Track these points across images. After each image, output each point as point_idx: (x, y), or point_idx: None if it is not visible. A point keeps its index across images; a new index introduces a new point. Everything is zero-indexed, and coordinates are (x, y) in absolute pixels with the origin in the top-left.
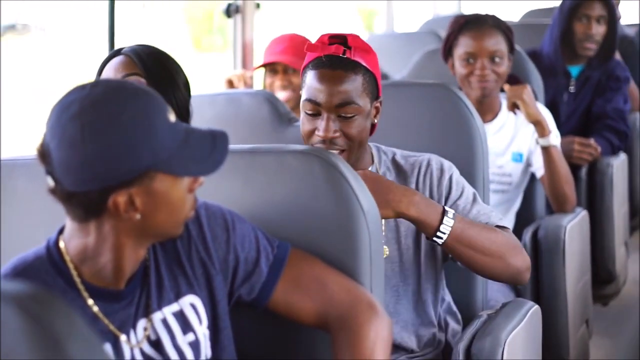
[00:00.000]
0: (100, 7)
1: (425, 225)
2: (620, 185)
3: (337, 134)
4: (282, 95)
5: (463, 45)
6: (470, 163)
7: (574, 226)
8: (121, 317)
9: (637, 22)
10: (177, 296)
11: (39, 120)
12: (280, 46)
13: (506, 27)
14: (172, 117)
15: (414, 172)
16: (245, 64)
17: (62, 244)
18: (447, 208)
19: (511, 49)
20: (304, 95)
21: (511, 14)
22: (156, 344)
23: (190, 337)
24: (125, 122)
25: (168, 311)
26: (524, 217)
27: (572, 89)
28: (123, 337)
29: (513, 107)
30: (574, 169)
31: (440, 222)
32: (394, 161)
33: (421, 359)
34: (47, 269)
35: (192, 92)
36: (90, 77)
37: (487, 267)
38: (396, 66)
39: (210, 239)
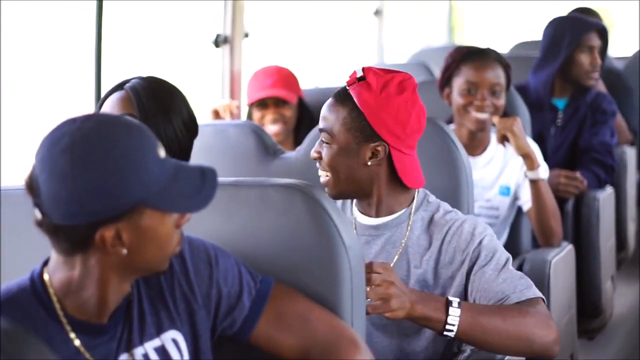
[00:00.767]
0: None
1: (432, 320)
2: (607, 219)
3: (316, 156)
4: (273, 128)
5: (465, 75)
6: (455, 196)
7: (559, 260)
8: (103, 351)
9: (624, 55)
10: (159, 331)
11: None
12: (269, 80)
13: (506, 62)
14: (162, 153)
15: (444, 230)
16: (233, 93)
17: (46, 276)
18: (450, 298)
19: (508, 84)
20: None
21: (500, 46)
22: None
23: None
24: (116, 157)
25: (149, 346)
26: (509, 251)
27: (559, 122)
28: None
29: (503, 139)
30: (561, 202)
31: (447, 314)
32: (432, 215)
33: None
34: (30, 301)
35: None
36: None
37: (509, 351)
38: None
39: (193, 274)
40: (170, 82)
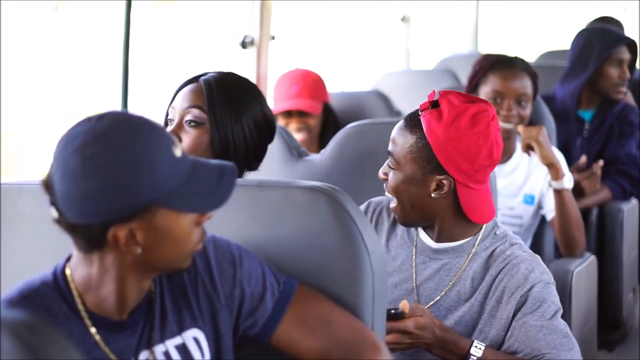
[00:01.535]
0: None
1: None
2: (631, 231)
3: (383, 177)
4: (297, 136)
5: (491, 84)
6: None
7: (581, 271)
8: (122, 347)
9: None
10: (181, 329)
11: None
12: (294, 88)
13: (533, 72)
14: (178, 152)
15: (500, 266)
16: None
17: (68, 272)
18: (475, 346)
19: (535, 94)
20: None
21: (527, 55)
22: None
23: None
24: (127, 157)
25: (171, 344)
26: None
27: (585, 133)
28: None
29: (527, 148)
30: (585, 212)
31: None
32: (495, 248)
33: None
34: (52, 296)
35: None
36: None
37: None
38: (412, 104)
39: (217, 273)
40: (249, 80)
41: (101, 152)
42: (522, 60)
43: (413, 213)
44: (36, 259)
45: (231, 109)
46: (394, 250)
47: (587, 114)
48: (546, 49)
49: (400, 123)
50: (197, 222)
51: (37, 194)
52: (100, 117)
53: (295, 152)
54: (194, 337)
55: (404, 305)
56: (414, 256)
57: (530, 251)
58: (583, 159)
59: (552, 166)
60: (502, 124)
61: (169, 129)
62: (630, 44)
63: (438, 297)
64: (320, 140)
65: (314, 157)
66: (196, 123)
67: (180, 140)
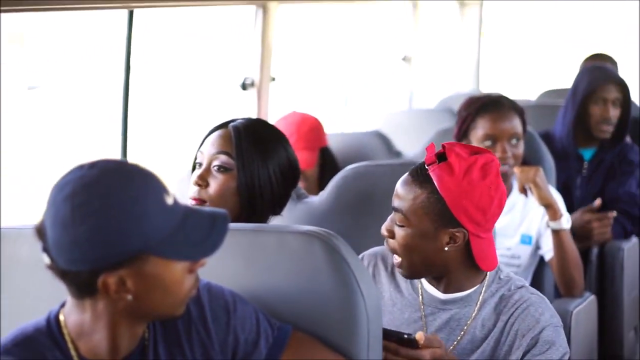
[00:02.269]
0: None
1: None
2: (631, 270)
3: (386, 234)
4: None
5: (482, 128)
6: None
7: (581, 311)
8: None
9: None
10: None
11: None
12: (290, 139)
13: (520, 109)
14: (170, 200)
15: (510, 311)
16: None
17: (62, 318)
18: None
19: (524, 130)
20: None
21: (528, 93)
22: None
23: None
24: (116, 205)
25: None
26: None
27: (584, 172)
28: None
29: (524, 189)
30: (585, 251)
31: None
32: (502, 293)
33: None
34: (45, 342)
35: None
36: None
37: None
38: (412, 143)
39: (211, 321)
40: (275, 126)
41: (90, 200)
42: (507, 99)
43: (422, 267)
44: (34, 303)
45: (259, 156)
46: (399, 303)
47: (587, 153)
48: (548, 87)
49: (406, 178)
50: (190, 270)
51: (34, 239)
52: (92, 165)
53: (295, 194)
54: None
55: (420, 336)
56: (422, 308)
57: (538, 292)
58: (598, 201)
59: (549, 207)
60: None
61: (197, 173)
62: (619, 83)
63: (451, 347)
64: (320, 183)
65: (313, 199)
66: (224, 168)
67: (207, 184)
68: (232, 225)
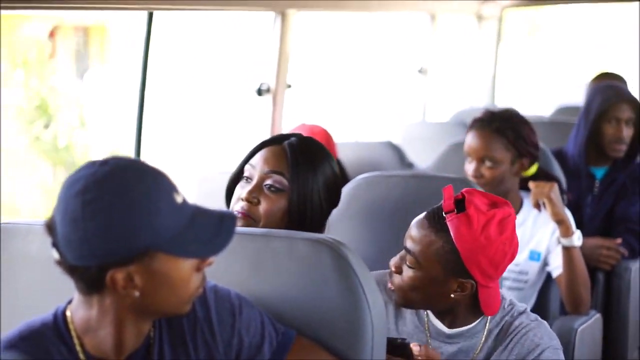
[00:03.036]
0: None
1: None
2: (638, 290)
3: (395, 270)
4: None
5: (466, 143)
6: None
7: (586, 329)
8: None
9: None
10: None
11: None
12: None
13: (514, 132)
14: (179, 199)
15: (510, 336)
16: None
17: (68, 314)
18: None
19: (520, 154)
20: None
21: (543, 110)
22: None
23: None
24: (126, 202)
25: None
26: None
27: (596, 190)
28: None
29: (538, 204)
30: (592, 270)
31: None
32: (504, 320)
33: None
34: (51, 337)
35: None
36: None
37: None
38: (425, 156)
39: (217, 322)
40: (324, 145)
41: (101, 197)
42: (502, 120)
43: (421, 305)
44: (41, 299)
45: (312, 178)
46: (404, 334)
47: (599, 171)
48: (562, 104)
49: (422, 222)
50: (197, 268)
51: (44, 235)
52: (104, 162)
53: None
54: None
55: (414, 346)
56: (428, 341)
57: (537, 317)
58: (618, 241)
59: (562, 223)
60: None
61: (248, 188)
62: (632, 102)
63: None
64: None
65: None
66: (276, 189)
67: (258, 202)
68: (241, 229)
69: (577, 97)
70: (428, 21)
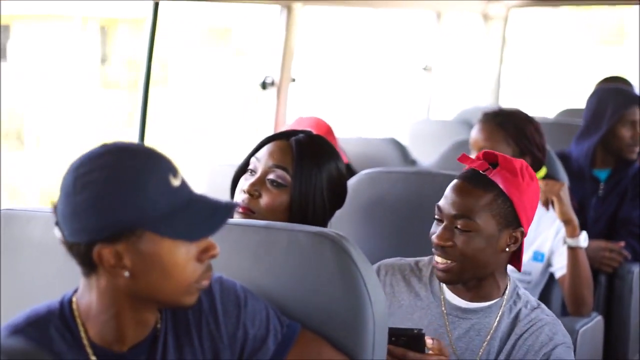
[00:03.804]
0: None
1: None
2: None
3: (449, 244)
4: None
5: (470, 136)
6: None
7: (587, 330)
8: None
9: None
10: None
11: None
12: None
13: (516, 129)
14: (176, 182)
15: (525, 327)
16: None
17: (74, 300)
18: None
19: (522, 151)
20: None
21: (547, 112)
22: None
23: None
24: (116, 177)
25: None
26: None
27: (600, 193)
28: None
29: (547, 203)
30: (594, 273)
31: None
32: (519, 309)
33: None
34: (56, 324)
35: None
36: None
37: None
38: (429, 153)
39: (222, 314)
40: (331, 143)
41: (92, 171)
42: (506, 116)
43: (471, 273)
44: (42, 286)
45: (316, 175)
46: (419, 311)
47: (602, 174)
48: (567, 106)
49: (463, 185)
50: (198, 258)
51: (47, 221)
52: (103, 145)
53: None
54: None
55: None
56: (444, 315)
57: (552, 314)
58: (621, 244)
59: (569, 223)
60: None
61: (250, 181)
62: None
63: (477, 358)
64: None
65: None
66: (279, 184)
67: (260, 195)
68: (243, 221)
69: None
70: (434, 19)
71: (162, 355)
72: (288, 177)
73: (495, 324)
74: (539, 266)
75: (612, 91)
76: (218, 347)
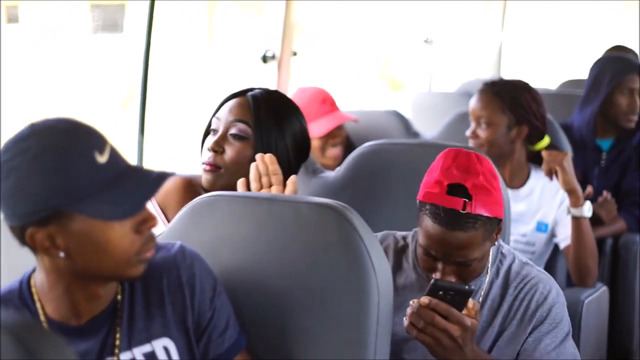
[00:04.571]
0: None
1: None
2: None
3: (453, 278)
4: (335, 152)
5: (469, 106)
6: None
7: (592, 301)
8: (81, 351)
9: None
10: (151, 337)
11: None
12: (326, 106)
13: (512, 98)
14: (102, 159)
15: (519, 286)
16: None
17: (32, 278)
18: None
19: (518, 120)
20: (421, 235)
21: (550, 83)
22: None
23: None
24: (39, 161)
25: (138, 352)
26: None
27: (603, 163)
28: None
29: (550, 172)
30: (599, 243)
31: None
32: (508, 267)
33: None
34: (15, 302)
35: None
36: None
37: None
38: (431, 124)
39: (199, 291)
40: (291, 99)
41: (15, 156)
42: (503, 85)
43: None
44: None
45: (276, 126)
46: (408, 288)
47: (605, 144)
48: (569, 77)
49: (457, 236)
50: (135, 230)
51: None
52: (31, 125)
53: (310, 168)
54: (164, 347)
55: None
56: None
57: (542, 269)
58: (605, 194)
59: (572, 192)
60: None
61: (213, 139)
62: None
63: None
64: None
65: (329, 174)
66: (241, 137)
67: (223, 151)
68: (247, 193)
69: (584, 71)
70: None
71: (128, 326)
72: (249, 130)
73: (485, 288)
74: (542, 237)
75: (612, 58)
76: (189, 320)
